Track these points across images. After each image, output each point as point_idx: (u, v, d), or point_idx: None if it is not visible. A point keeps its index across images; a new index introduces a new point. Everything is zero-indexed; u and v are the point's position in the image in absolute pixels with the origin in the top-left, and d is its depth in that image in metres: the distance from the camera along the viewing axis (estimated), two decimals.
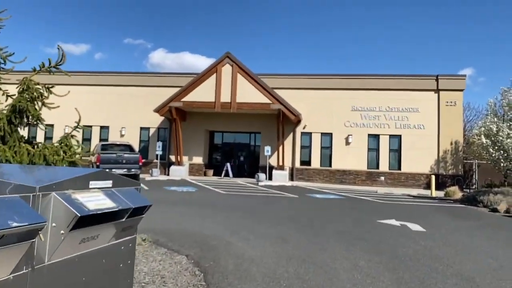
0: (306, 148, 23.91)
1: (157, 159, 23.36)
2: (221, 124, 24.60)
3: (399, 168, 22.83)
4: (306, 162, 23.82)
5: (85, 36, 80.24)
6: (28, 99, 4.32)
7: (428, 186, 20.87)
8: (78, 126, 5.00)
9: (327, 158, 23.64)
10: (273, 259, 5.22)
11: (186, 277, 4.44)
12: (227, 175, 23.13)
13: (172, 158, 24.19)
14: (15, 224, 1.27)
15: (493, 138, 17.50)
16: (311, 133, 23.81)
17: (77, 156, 4.82)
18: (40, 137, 24.14)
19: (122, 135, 25.11)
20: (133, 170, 16.85)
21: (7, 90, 4.86)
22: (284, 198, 14.13)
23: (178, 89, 22.62)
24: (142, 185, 17.08)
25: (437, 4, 67.98)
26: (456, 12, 66.99)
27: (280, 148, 22.03)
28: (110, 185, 1.97)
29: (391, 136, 23.09)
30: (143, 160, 21.97)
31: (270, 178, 21.97)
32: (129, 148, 18.41)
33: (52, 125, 23.76)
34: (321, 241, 6.52)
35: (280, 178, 21.72)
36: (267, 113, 22.71)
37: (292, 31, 75.88)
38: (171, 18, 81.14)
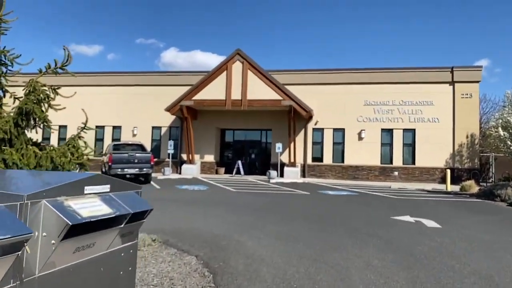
0: (318, 144, 23.70)
1: (169, 158, 23.45)
2: (232, 122, 24.56)
3: (413, 163, 22.47)
4: (318, 158, 23.62)
5: (98, 37, 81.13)
6: (35, 101, 4.30)
7: (443, 181, 20.50)
8: (86, 127, 4.97)
9: (339, 154, 23.40)
10: (284, 259, 5.12)
11: (195, 278, 4.38)
12: (238, 172, 23.09)
13: (184, 156, 24.26)
14: None
15: (511, 130, 17.03)
16: (323, 129, 23.59)
17: (85, 157, 4.80)
18: (54, 139, 24.50)
19: (134, 135, 25.29)
20: (145, 169, 16.92)
21: (14, 93, 4.86)
22: (295, 195, 14.01)
23: (189, 87, 22.63)
24: (153, 183, 17.20)
25: None
26: (469, 2, 65.59)
27: (292, 144, 21.88)
28: (108, 190, 1.89)
29: (404, 130, 22.73)
30: (155, 159, 22.08)
31: (282, 175, 21.86)
32: (141, 147, 18.49)
33: (65, 126, 24.09)
34: (332, 239, 6.40)
35: (292, 175, 21.58)
36: (278, 109, 22.57)
37: (303, 26, 75.40)
38: (182, 17, 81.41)
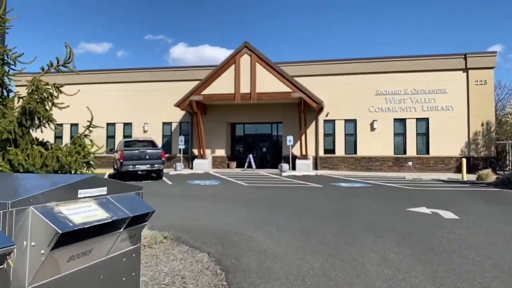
0: (330, 136, 23.44)
1: (180, 153, 23.47)
2: (242, 116, 24.43)
3: (427, 152, 22.07)
4: (330, 150, 23.38)
5: (107, 35, 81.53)
6: (38, 100, 4.22)
7: (458, 170, 20.10)
8: (91, 125, 4.89)
9: (351, 145, 23.11)
10: (297, 255, 4.99)
11: (207, 276, 4.28)
12: (250, 166, 23.00)
13: (195, 151, 24.25)
14: None
15: None
16: (334, 120, 23.30)
17: (91, 156, 4.72)
18: (66, 138, 24.73)
19: (145, 131, 25.35)
20: (156, 165, 16.94)
21: (18, 92, 4.79)
22: (308, 188, 13.85)
23: (198, 82, 22.55)
24: (165, 179, 17.21)
25: None
26: None
27: (303, 137, 21.67)
28: (105, 192, 1.77)
29: (418, 119, 22.31)
30: (167, 155, 22.13)
31: (294, 168, 21.69)
32: (151, 144, 18.51)
33: (76, 124, 24.26)
34: (347, 233, 6.24)
35: (304, 167, 21.40)
36: (288, 102, 22.35)
37: (312, 16, 74.53)
38: (189, 12, 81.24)
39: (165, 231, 5.99)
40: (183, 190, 13.41)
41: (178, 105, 22.37)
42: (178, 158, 23.86)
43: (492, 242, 5.72)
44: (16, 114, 4.23)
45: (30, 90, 4.25)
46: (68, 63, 4.40)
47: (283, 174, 19.92)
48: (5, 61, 4.46)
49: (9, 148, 4.01)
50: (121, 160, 16.34)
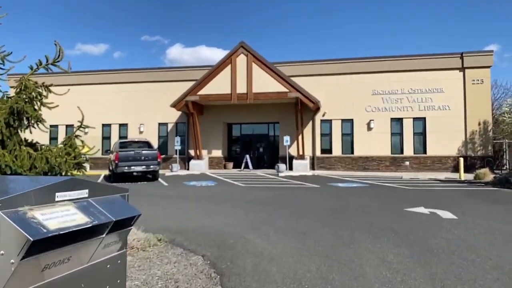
0: (327, 135, 23.37)
1: (176, 154, 23.32)
2: (239, 116, 24.31)
3: (425, 152, 22.03)
4: (327, 150, 23.30)
5: (103, 36, 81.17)
6: (26, 100, 4.10)
7: (455, 169, 20.07)
8: (82, 125, 4.77)
9: (348, 145, 23.05)
10: (294, 257, 4.89)
11: (201, 280, 4.17)
12: (247, 167, 22.89)
13: (192, 152, 24.11)
14: None
15: None
16: (331, 120, 23.23)
17: (82, 157, 4.60)
18: (61, 139, 24.54)
19: (140, 132, 25.19)
20: (152, 166, 16.79)
21: (7, 92, 4.67)
22: (305, 188, 13.76)
23: (194, 82, 22.40)
24: (161, 180, 17.06)
25: None
26: None
27: (300, 137, 21.58)
28: (86, 195, 1.65)
29: (414, 119, 22.27)
30: (162, 156, 21.97)
31: (291, 168, 21.60)
32: (147, 144, 18.35)
33: (72, 126, 24.06)
34: (344, 234, 6.14)
35: (301, 167, 21.31)
36: (284, 102, 22.25)
37: (309, 15, 74.54)
38: (185, 12, 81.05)
39: (159, 233, 5.87)
40: (179, 191, 13.28)
41: (174, 105, 22.23)
42: (174, 159, 23.71)
43: (492, 242, 5.63)
44: (3, 114, 4.11)
45: (18, 90, 4.13)
46: (58, 61, 4.28)
47: (280, 174, 19.82)
48: None
49: None
50: (116, 161, 16.17)
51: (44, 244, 1.35)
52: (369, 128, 22.62)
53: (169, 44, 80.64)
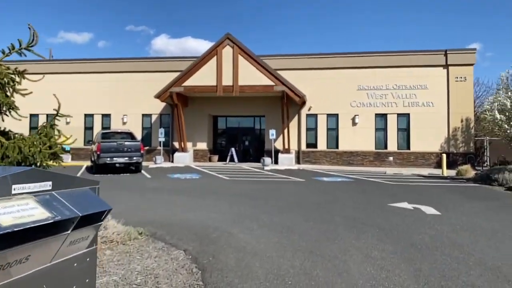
0: (312, 130, 23.37)
1: (160, 146, 22.99)
2: (225, 109, 24.09)
3: (408, 148, 22.25)
4: (312, 144, 23.31)
5: (87, 24, 79.38)
6: None
7: (438, 165, 20.35)
8: (59, 114, 4.57)
9: (333, 139, 23.10)
10: (278, 252, 4.80)
11: (182, 276, 4.04)
12: (232, 160, 22.73)
13: (176, 144, 23.80)
14: None
15: (507, 114, 16.76)
16: (316, 114, 23.22)
17: (58, 147, 4.40)
18: None
19: (124, 123, 24.73)
20: (135, 158, 16.49)
21: None
22: (290, 182, 13.71)
23: (179, 73, 22.05)
24: (144, 173, 16.79)
25: None
26: None
27: (285, 131, 21.51)
28: (49, 187, 1.50)
29: (399, 115, 22.44)
30: (146, 148, 21.64)
31: (276, 162, 21.55)
32: (130, 135, 18.00)
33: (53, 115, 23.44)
34: (329, 229, 6.09)
35: (286, 161, 21.27)
36: (270, 95, 22.11)
37: (294, 10, 74.33)
38: (171, 3, 79.81)
39: (140, 227, 5.72)
40: (162, 184, 13.06)
41: (158, 96, 21.84)
42: (158, 151, 23.38)
43: (475, 239, 5.65)
44: None
45: None
46: (32, 46, 4.05)
47: (266, 168, 19.74)
48: None
49: None
50: (98, 152, 15.82)
51: None
52: (354, 123, 22.70)
53: (155, 34, 79.49)
